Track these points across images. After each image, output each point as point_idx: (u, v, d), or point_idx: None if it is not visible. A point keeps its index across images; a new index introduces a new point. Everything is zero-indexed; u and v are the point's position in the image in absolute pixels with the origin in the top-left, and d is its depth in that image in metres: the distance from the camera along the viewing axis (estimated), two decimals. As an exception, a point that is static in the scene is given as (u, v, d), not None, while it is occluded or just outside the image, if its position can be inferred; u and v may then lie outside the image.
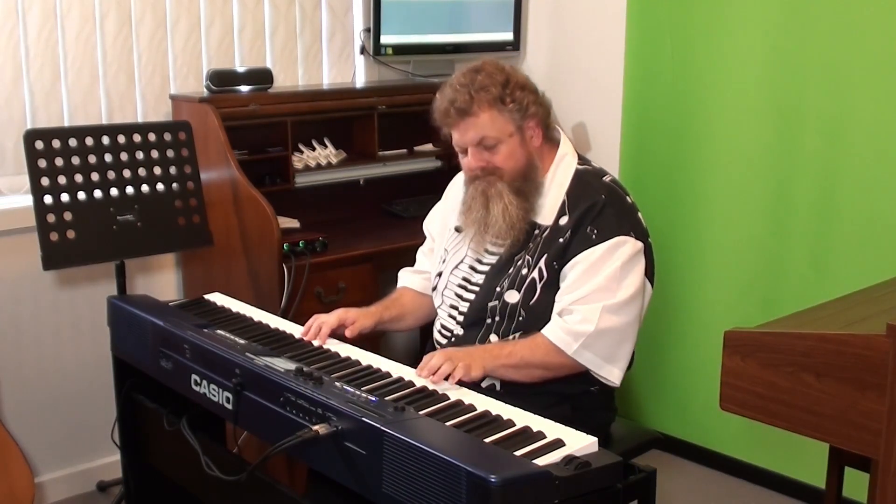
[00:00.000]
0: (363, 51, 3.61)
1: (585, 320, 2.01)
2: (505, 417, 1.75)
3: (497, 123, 2.10)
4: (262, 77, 3.18)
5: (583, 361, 2.03)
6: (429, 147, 3.60)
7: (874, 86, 2.81)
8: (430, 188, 3.51)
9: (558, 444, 1.63)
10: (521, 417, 1.75)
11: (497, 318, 2.14)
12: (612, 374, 2.07)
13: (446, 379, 1.93)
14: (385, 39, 3.51)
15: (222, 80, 3.10)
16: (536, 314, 2.09)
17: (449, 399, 1.85)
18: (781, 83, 3.03)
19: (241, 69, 3.20)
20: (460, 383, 1.93)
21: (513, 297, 2.13)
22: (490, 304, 2.16)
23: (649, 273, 2.14)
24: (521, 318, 2.11)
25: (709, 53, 3.22)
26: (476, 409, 1.79)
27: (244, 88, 3.14)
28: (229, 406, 1.99)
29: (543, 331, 2.06)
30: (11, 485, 2.65)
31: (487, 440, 1.64)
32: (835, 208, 2.94)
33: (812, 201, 2.99)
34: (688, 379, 3.42)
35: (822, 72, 2.92)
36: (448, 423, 1.71)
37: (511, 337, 2.12)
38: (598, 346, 2.03)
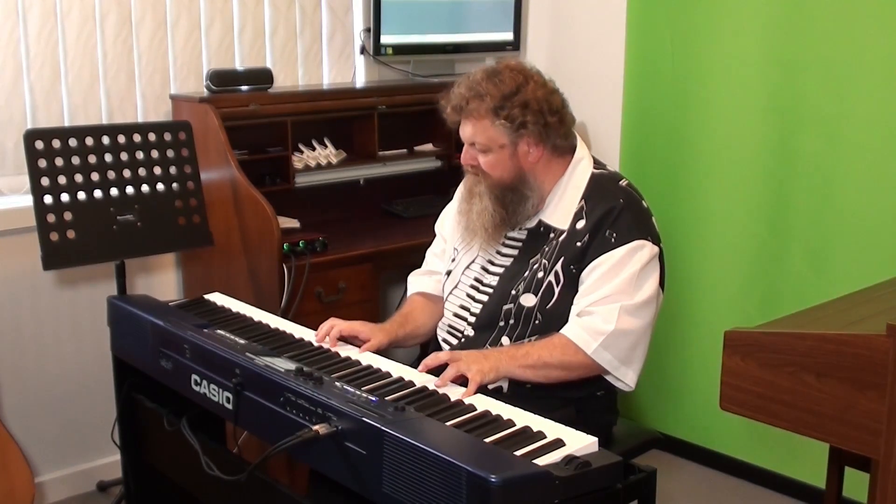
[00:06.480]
0: (363, 51, 3.61)
1: (605, 320, 2.00)
2: (505, 417, 1.75)
3: (488, 133, 2.10)
4: (262, 77, 3.18)
5: (601, 361, 2.01)
6: (429, 147, 3.60)
7: (873, 85, 2.81)
8: (430, 188, 3.53)
9: (558, 444, 1.63)
10: (521, 417, 1.75)
11: (511, 322, 2.13)
12: (628, 377, 2.06)
13: (459, 384, 1.92)
14: (385, 39, 3.51)
15: (222, 80, 3.10)
16: (553, 318, 2.08)
17: (449, 399, 1.85)
18: (781, 83, 3.03)
19: (241, 69, 3.20)
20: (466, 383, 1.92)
21: (529, 300, 2.11)
22: (504, 308, 2.14)
23: (661, 279, 2.13)
24: (537, 322, 2.10)
25: (709, 53, 3.22)
26: (476, 409, 1.79)
27: (244, 88, 3.14)
28: (229, 406, 1.99)
29: (563, 330, 2.05)
30: (11, 485, 2.65)
31: (488, 440, 1.64)
32: (834, 208, 2.94)
33: (811, 201, 2.99)
34: (688, 379, 3.42)
35: (821, 71, 2.92)
36: (448, 423, 1.71)
37: (526, 340, 2.10)
38: (616, 347, 2.02)
